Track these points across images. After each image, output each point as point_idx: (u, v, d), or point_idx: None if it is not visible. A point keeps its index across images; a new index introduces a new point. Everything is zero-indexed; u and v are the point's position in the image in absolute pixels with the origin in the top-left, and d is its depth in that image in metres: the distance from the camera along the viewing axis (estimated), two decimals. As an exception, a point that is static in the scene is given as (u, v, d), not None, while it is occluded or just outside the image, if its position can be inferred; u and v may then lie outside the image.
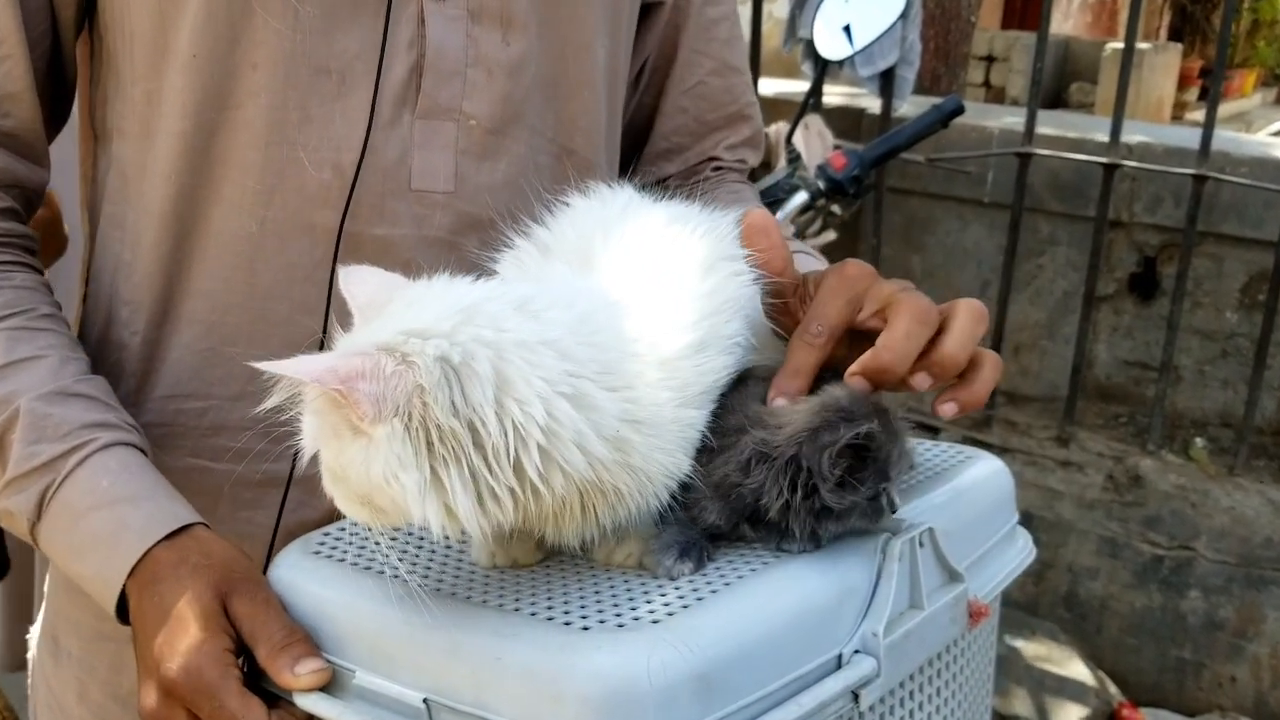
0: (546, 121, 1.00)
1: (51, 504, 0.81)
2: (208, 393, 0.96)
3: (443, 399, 0.64)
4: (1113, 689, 2.67)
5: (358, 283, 0.73)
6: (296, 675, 0.72)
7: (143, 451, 0.86)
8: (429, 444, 0.65)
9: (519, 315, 0.69)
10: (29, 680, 1.12)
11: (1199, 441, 2.90)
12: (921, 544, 0.78)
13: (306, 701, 0.72)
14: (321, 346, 0.94)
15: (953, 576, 0.81)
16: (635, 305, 0.74)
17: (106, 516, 0.80)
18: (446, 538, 0.68)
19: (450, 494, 0.65)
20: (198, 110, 0.91)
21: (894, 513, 0.75)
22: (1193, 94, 9.83)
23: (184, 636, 0.73)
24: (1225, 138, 3.03)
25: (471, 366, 0.65)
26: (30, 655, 1.11)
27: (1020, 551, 0.92)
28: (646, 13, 1.09)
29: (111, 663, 1.00)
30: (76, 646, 1.03)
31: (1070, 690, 2.61)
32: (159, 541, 0.79)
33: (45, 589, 1.08)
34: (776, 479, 0.72)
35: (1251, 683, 2.74)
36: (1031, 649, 2.69)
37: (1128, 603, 2.84)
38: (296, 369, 0.64)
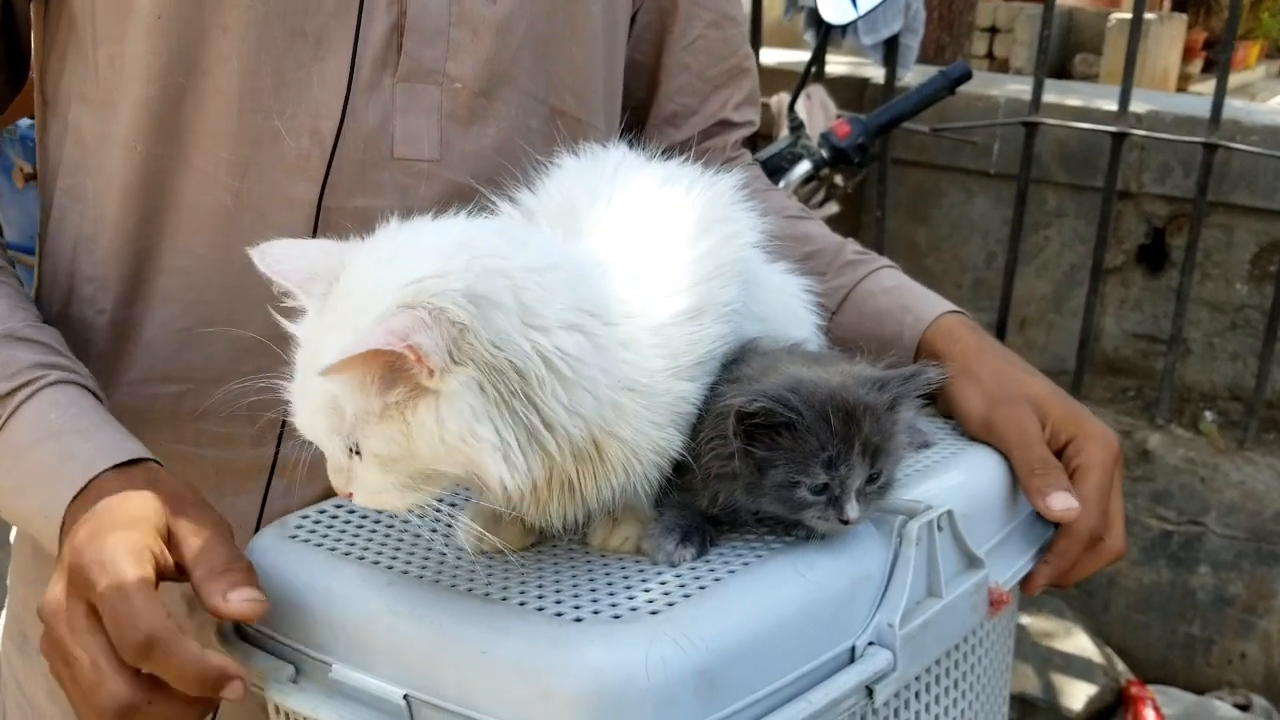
0: (538, 82, 0.94)
1: None
2: (186, 376, 0.91)
3: (484, 336, 0.61)
4: (1120, 666, 2.64)
5: (280, 259, 0.67)
6: (227, 600, 0.66)
7: (96, 396, 0.81)
8: (481, 388, 0.61)
9: (511, 243, 0.66)
10: None
11: (1208, 415, 2.86)
12: (940, 527, 0.73)
13: (278, 696, 0.68)
14: None
15: (972, 562, 0.76)
16: (624, 268, 0.69)
17: (52, 449, 0.76)
18: (438, 520, 0.65)
19: (512, 443, 0.62)
20: (164, 75, 0.85)
21: (841, 519, 0.69)
22: (1196, 67, 9.75)
23: (109, 529, 0.67)
24: (1236, 106, 2.98)
25: (493, 299, 0.61)
26: None
27: (1042, 535, 0.87)
28: None
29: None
30: None
31: (1078, 667, 2.58)
32: (106, 470, 0.74)
33: (9, 581, 1.03)
34: (701, 437, 0.69)
35: (1262, 659, 2.70)
36: (1038, 626, 2.65)
37: (1136, 579, 2.80)
38: (353, 348, 0.58)
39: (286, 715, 0.71)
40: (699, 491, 0.70)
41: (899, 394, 0.69)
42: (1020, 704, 2.49)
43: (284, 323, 0.67)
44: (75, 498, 0.73)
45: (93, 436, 0.77)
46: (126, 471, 0.75)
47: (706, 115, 1.10)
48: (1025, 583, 0.88)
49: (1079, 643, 2.64)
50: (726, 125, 1.11)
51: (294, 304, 0.67)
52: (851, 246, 1.08)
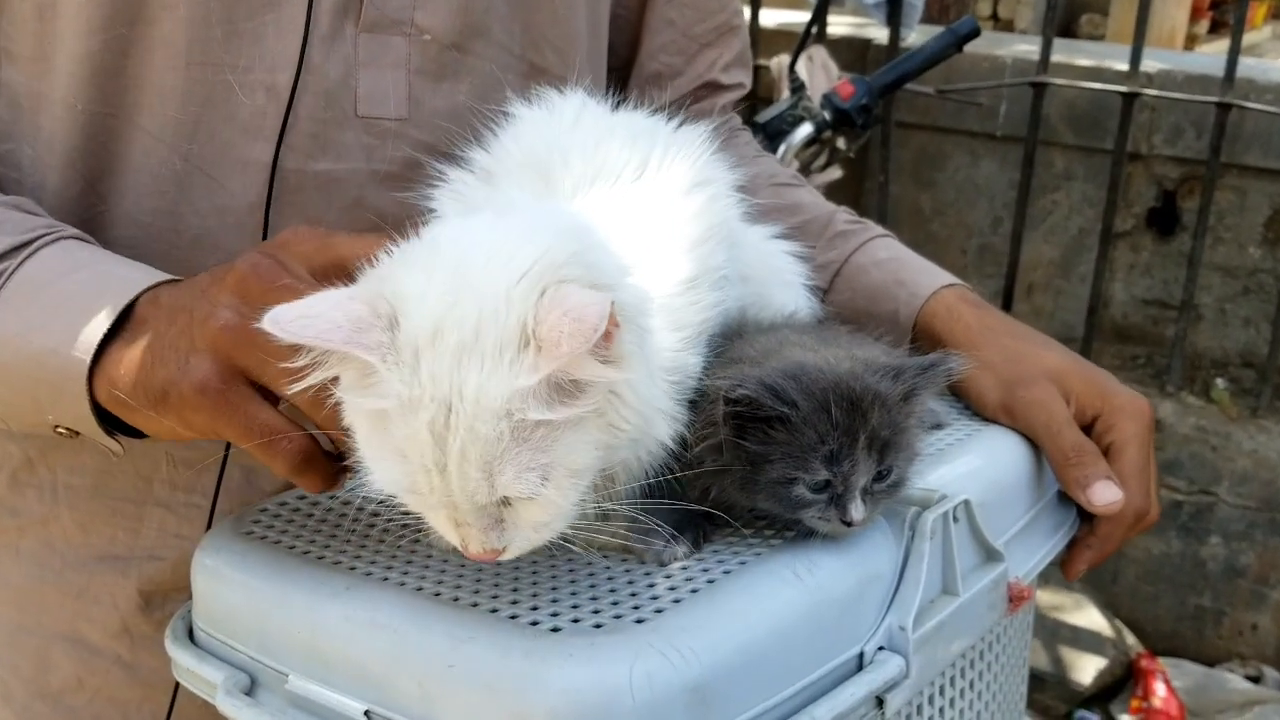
0: (514, 36, 0.88)
1: (7, 285, 0.72)
2: None
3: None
4: (1130, 639, 2.63)
5: (307, 322, 0.54)
6: None
7: None
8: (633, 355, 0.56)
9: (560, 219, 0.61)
10: None
11: (1220, 382, 2.83)
12: (956, 519, 0.66)
13: (230, 708, 0.62)
14: None
15: (991, 555, 0.70)
16: (616, 234, 0.62)
17: (88, 276, 0.72)
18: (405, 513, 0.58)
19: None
20: (105, 26, 0.78)
21: (844, 520, 0.62)
22: (1203, 27, 9.64)
23: (224, 290, 0.65)
24: (1249, 65, 2.93)
25: (589, 277, 0.56)
26: None
27: (1064, 520, 0.81)
28: None
29: (35, 659, 0.90)
30: None
31: (1087, 641, 2.56)
32: (155, 284, 0.70)
33: None
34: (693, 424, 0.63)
35: (1273, 630, 2.70)
36: (1047, 599, 2.63)
37: (1145, 550, 2.78)
38: (564, 352, 0.51)
39: None
40: (690, 483, 0.64)
41: (915, 385, 0.62)
42: (1029, 679, 2.46)
43: (360, 402, 0.55)
44: (128, 309, 0.69)
45: (131, 268, 0.73)
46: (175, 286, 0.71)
47: (693, 76, 1.04)
48: (1063, 567, 0.83)
49: (1088, 616, 2.63)
50: (714, 87, 1.05)
51: (312, 367, 0.56)
52: (843, 215, 1.02)
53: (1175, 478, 2.77)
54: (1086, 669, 2.49)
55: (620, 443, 0.57)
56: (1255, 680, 2.58)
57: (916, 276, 0.95)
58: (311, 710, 0.61)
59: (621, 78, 1.04)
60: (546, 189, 0.68)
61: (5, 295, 0.71)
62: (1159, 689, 2.43)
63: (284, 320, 0.53)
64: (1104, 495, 0.80)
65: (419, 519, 0.66)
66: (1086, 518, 0.85)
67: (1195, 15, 9.41)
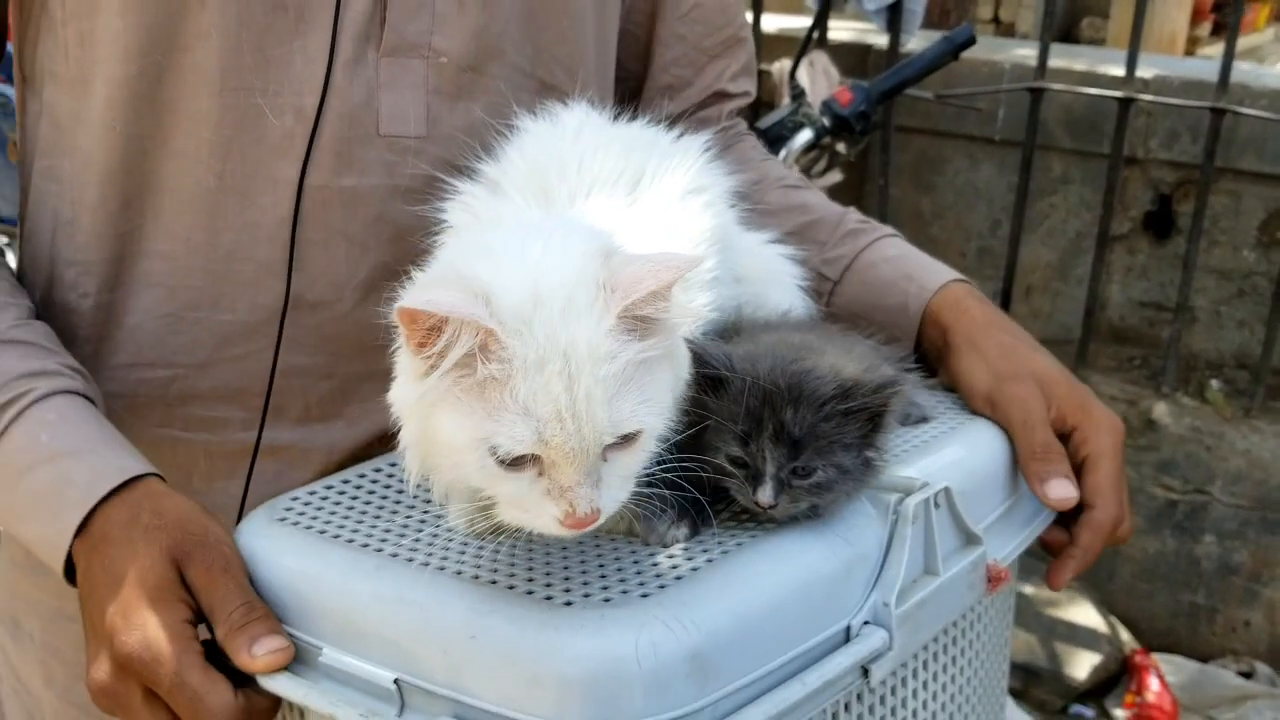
0: (526, 56, 0.92)
1: None
2: (172, 360, 0.90)
3: None
4: (1125, 635, 2.64)
5: (438, 300, 0.59)
6: (254, 656, 0.66)
7: (87, 399, 0.80)
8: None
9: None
10: None
11: (1215, 383, 2.84)
12: (936, 504, 0.71)
13: (270, 682, 0.67)
14: (284, 311, 0.88)
15: (970, 539, 0.75)
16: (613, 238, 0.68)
17: (48, 473, 0.75)
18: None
19: None
20: (141, 53, 0.83)
21: (754, 500, 0.68)
22: (1205, 29, 9.63)
23: (138, 607, 0.68)
24: (1244, 70, 2.94)
25: None
26: None
27: (1040, 511, 0.86)
28: None
29: (75, 643, 0.94)
30: (38, 628, 0.98)
31: (1082, 637, 2.58)
32: (106, 497, 0.73)
33: None
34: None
35: (1266, 627, 2.70)
36: (1042, 595, 2.65)
37: (1141, 548, 2.79)
38: (667, 271, 0.60)
39: (274, 698, 0.70)
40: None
41: (861, 404, 0.67)
42: (1025, 673, 2.50)
43: (468, 377, 0.59)
44: (78, 533, 0.73)
45: (87, 458, 0.76)
46: (126, 498, 0.74)
47: (702, 86, 1.08)
48: (1049, 578, 0.88)
49: (1084, 612, 2.65)
50: (722, 96, 1.10)
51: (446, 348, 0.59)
52: (853, 216, 1.07)
53: (1170, 477, 2.78)
54: (1082, 664, 2.51)
55: (679, 393, 0.64)
56: (1247, 676, 2.58)
57: (925, 272, 0.99)
58: (345, 680, 0.66)
59: (634, 89, 1.08)
60: (546, 198, 0.73)
61: None
62: (1153, 684, 2.44)
63: (418, 301, 0.58)
64: (1059, 491, 0.84)
65: (442, 506, 0.72)
66: (1064, 524, 0.89)
67: (1198, 17, 9.40)
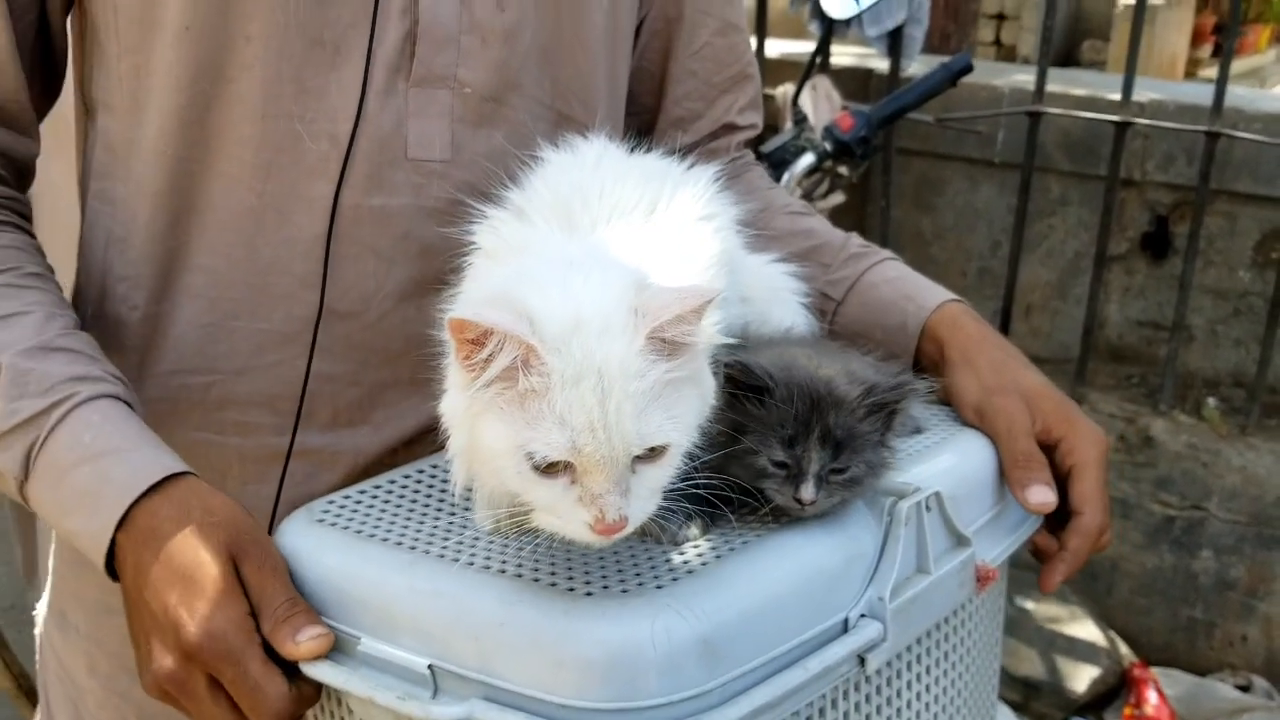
0: (544, 88, 0.98)
1: (38, 462, 0.80)
2: (211, 367, 0.96)
3: None
4: (1124, 649, 2.66)
5: (495, 317, 0.65)
6: (298, 644, 0.72)
7: (127, 404, 0.84)
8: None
9: None
10: (38, 654, 1.12)
11: (1211, 401, 2.86)
12: (928, 508, 0.77)
13: (313, 669, 0.73)
14: (318, 321, 0.94)
15: (960, 541, 0.81)
16: (632, 262, 0.73)
17: (90, 471, 0.79)
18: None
19: None
20: (192, 84, 0.89)
21: (795, 497, 0.74)
22: (1206, 51, 9.68)
23: (204, 599, 0.73)
24: (1238, 94, 2.96)
25: None
26: (38, 630, 1.11)
27: (1027, 517, 0.92)
28: None
29: (119, 636, 0.99)
30: (84, 621, 1.03)
31: (1081, 651, 2.60)
32: (147, 492, 0.78)
33: (50, 564, 1.08)
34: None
35: (1263, 641, 2.72)
36: (1042, 610, 2.68)
37: (1139, 563, 2.81)
38: (690, 297, 0.66)
39: (319, 686, 0.75)
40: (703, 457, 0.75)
41: (881, 400, 0.73)
42: (1025, 687, 2.52)
43: (510, 389, 0.65)
44: (121, 524, 0.77)
45: (128, 456, 0.80)
46: (171, 494, 0.78)
47: (712, 119, 1.14)
48: (1042, 581, 0.93)
49: (1083, 626, 2.66)
50: (731, 128, 1.15)
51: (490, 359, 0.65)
52: (855, 240, 1.13)
53: (1168, 493, 2.80)
54: (1081, 678, 2.53)
55: (705, 412, 0.69)
56: (1245, 689, 2.58)
57: (923, 292, 1.05)
58: (382, 668, 0.71)
59: (649, 122, 1.14)
60: (570, 224, 0.78)
61: (38, 472, 0.80)
62: (1151, 697, 2.45)
63: (469, 313, 0.64)
64: (1039, 496, 0.89)
65: (467, 507, 0.77)
66: (1053, 532, 0.94)
67: (1199, 39, 9.46)
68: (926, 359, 1.03)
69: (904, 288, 1.06)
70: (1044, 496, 0.89)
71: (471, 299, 0.71)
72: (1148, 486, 2.82)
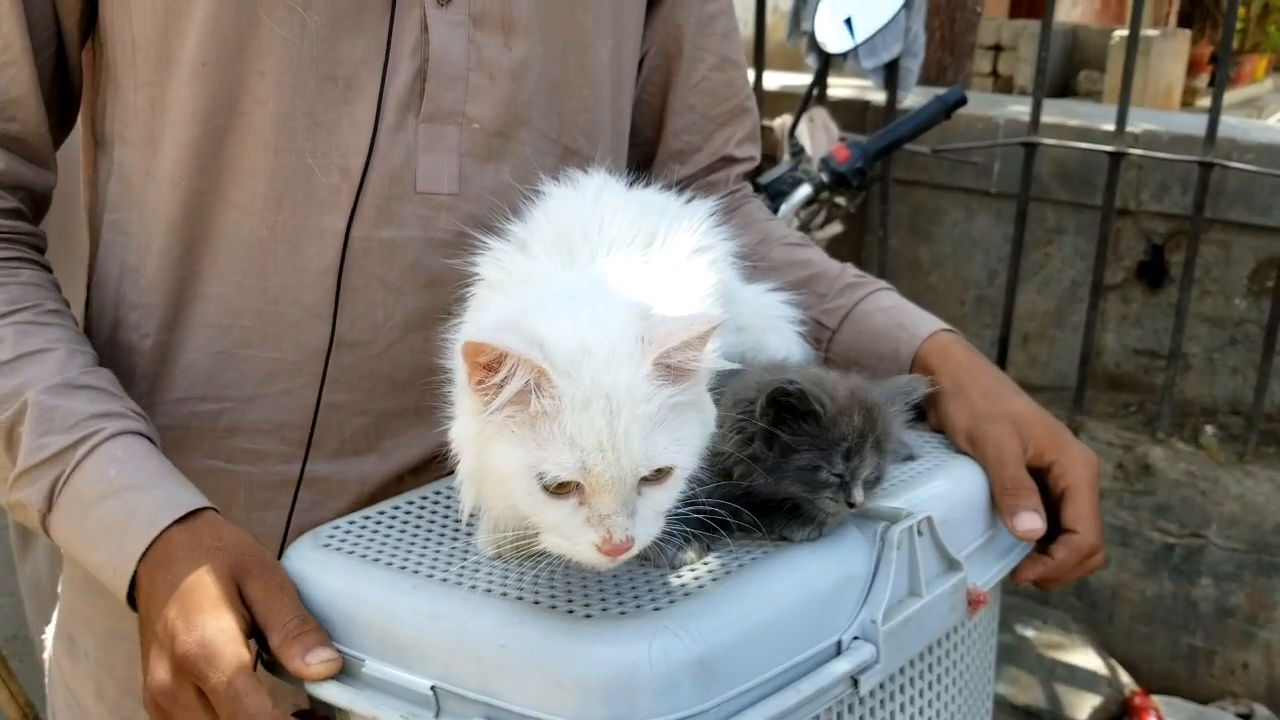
0: (550, 123, 1.01)
1: (62, 495, 0.83)
2: (221, 395, 0.98)
3: None
4: (1125, 677, 2.66)
5: (517, 343, 0.66)
6: (308, 664, 0.73)
7: (150, 440, 0.87)
8: None
9: None
10: (46, 679, 1.14)
11: (1209, 429, 2.87)
12: (920, 532, 0.79)
13: (319, 689, 0.74)
14: (329, 351, 0.96)
15: (952, 565, 0.82)
16: (630, 293, 0.75)
17: (115, 504, 0.81)
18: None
19: None
20: (207, 117, 0.92)
21: (846, 503, 0.77)
22: (1203, 80, 9.77)
23: (198, 612, 0.74)
24: (1232, 124, 2.99)
25: None
26: (46, 655, 1.13)
27: (1018, 542, 0.93)
28: (647, 9, 1.10)
29: (127, 660, 1.01)
30: (92, 645, 1.05)
31: (1082, 679, 2.60)
32: (170, 526, 0.80)
33: (59, 589, 1.10)
34: (729, 423, 0.76)
35: (1264, 668, 2.72)
36: (1043, 638, 2.68)
37: (1139, 591, 2.82)
38: (686, 336, 0.68)
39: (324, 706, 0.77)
40: (717, 474, 0.77)
41: (900, 401, 0.78)
42: (1026, 715, 2.52)
43: (520, 412, 0.67)
44: (143, 557, 0.79)
45: (152, 491, 0.82)
46: (188, 525, 0.80)
47: (710, 152, 1.17)
48: (1014, 572, 0.93)
49: (1084, 655, 2.66)
50: (729, 161, 1.18)
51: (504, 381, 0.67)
52: (851, 271, 1.15)
53: (1166, 521, 2.80)
54: (1083, 706, 2.51)
55: (708, 435, 0.72)
56: (1246, 718, 2.58)
57: (916, 321, 1.07)
58: (385, 689, 0.73)
59: (648, 154, 1.17)
60: (570, 256, 0.80)
61: (62, 505, 0.83)
62: None
63: (483, 336, 0.66)
64: (1027, 523, 0.91)
65: (469, 532, 0.79)
66: (1044, 545, 0.96)
67: (1195, 69, 9.53)
68: None
69: (897, 316, 1.08)
70: (1031, 524, 0.91)
71: (481, 327, 0.73)
72: (1147, 514, 2.83)
